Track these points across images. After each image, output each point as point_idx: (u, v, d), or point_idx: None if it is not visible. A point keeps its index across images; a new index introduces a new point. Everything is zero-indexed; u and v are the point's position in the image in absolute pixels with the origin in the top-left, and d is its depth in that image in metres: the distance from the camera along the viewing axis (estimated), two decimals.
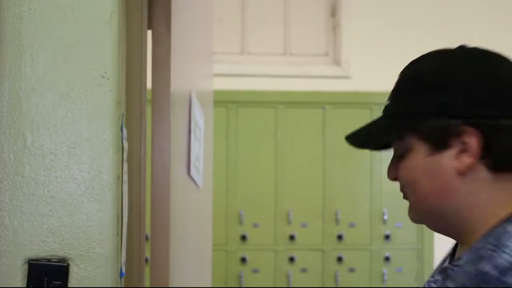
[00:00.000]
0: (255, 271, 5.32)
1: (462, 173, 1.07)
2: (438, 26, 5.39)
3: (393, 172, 1.17)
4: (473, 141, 1.05)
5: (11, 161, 1.25)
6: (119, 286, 1.30)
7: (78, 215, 1.25)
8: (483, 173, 1.07)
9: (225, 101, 5.16)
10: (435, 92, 1.08)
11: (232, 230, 5.33)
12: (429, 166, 1.09)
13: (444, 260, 1.20)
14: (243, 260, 5.31)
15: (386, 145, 1.19)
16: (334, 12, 5.48)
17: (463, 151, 1.06)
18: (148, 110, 1.60)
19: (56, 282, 1.24)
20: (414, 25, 5.42)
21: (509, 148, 1.05)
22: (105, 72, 1.26)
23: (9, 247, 1.24)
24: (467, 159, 1.06)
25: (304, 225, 5.36)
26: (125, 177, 1.33)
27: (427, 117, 1.08)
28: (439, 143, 1.07)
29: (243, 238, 5.32)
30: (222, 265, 5.22)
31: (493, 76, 1.07)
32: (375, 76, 5.36)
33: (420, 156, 1.10)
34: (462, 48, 1.14)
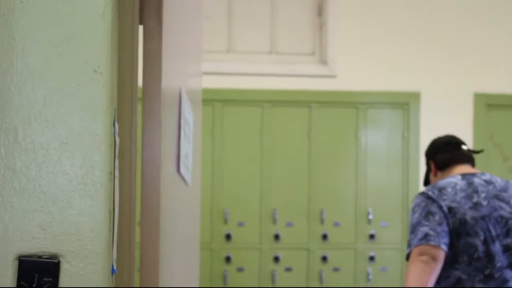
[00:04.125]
0: (239, 270, 5.32)
1: (434, 174, 3.27)
2: (422, 27, 5.41)
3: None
4: (432, 164, 3.28)
5: (2, 155, 1.23)
6: (110, 283, 1.28)
7: (70, 211, 1.24)
8: (439, 172, 3.24)
9: (211, 100, 5.15)
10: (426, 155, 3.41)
11: (217, 228, 5.32)
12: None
13: None
14: (228, 259, 5.30)
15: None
16: (320, 11, 5.49)
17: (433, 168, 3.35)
18: (139, 106, 1.58)
19: (47, 279, 1.22)
20: (399, 26, 5.44)
21: (439, 164, 3.23)
22: (98, 67, 1.24)
23: None
24: (433, 170, 3.28)
25: (289, 224, 5.36)
26: (117, 173, 1.32)
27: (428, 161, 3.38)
28: (429, 167, 3.34)
29: (228, 237, 5.31)
30: (207, 264, 5.21)
31: (432, 146, 3.32)
32: (361, 76, 5.38)
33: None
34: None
